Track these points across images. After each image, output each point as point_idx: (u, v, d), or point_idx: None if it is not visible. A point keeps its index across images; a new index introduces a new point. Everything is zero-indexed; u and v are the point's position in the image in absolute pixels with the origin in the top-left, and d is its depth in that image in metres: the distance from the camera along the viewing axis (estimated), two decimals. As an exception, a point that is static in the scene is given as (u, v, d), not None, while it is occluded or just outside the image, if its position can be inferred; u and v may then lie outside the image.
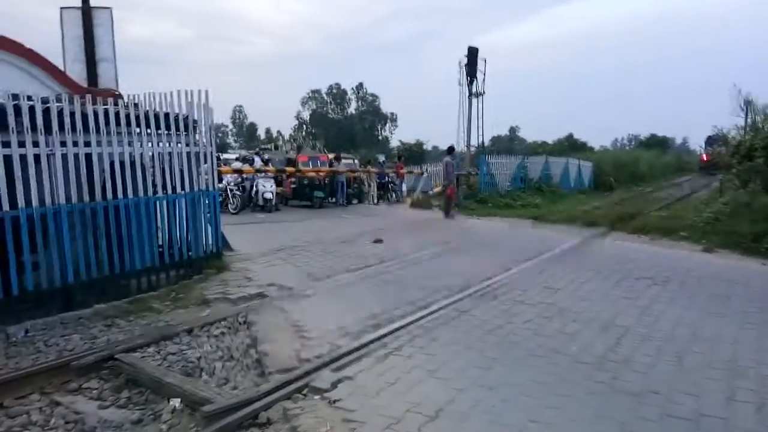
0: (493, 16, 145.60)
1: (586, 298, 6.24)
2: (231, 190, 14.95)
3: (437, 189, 19.59)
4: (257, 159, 17.82)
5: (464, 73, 20.44)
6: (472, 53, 20.23)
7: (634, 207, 16.64)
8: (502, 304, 5.91)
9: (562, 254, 8.96)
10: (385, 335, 4.86)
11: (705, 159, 46.17)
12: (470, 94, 20.44)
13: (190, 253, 7.01)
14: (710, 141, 45.55)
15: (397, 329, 5.02)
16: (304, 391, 3.74)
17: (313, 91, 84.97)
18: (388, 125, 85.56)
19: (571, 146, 46.59)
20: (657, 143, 61.52)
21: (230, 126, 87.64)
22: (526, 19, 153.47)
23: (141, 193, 6.36)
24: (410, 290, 6.46)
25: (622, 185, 28.30)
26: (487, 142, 22.84)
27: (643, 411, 3.50)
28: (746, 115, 14.77)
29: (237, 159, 18.89)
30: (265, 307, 5.76)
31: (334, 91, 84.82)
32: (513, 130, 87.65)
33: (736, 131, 15.06)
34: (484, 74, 20.56)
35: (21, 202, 5.22)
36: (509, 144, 73.89)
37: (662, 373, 4.11)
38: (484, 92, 20.71)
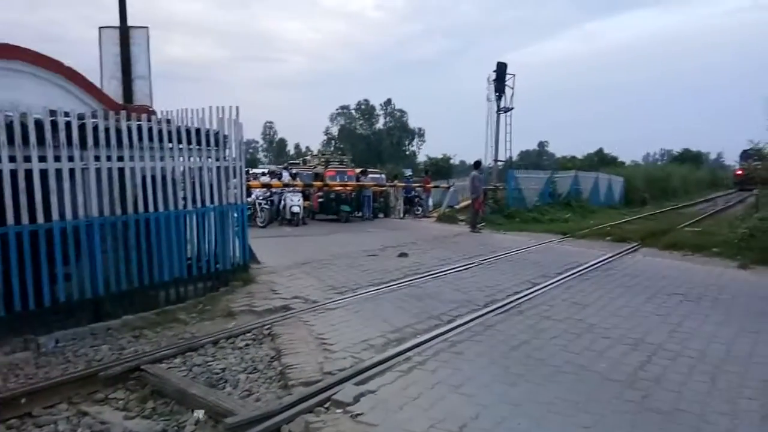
0: (524, 32, 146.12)
1: (616, 314, 6.08)
2: (259, 204, 15.17)
3: (464, 203, 19.49)
4: (285, 174, 18.09)
5: (493, 88, 20.36)
6: (501, 68, 20.13)
7: (666, 222, 16.30)
8: (528, 320, 5.81)
9: (590, 270, 8.78)
10: (408, 349, 4.81)
11: (740, 174, 44.89)
12: (498, 109, 20.31)
13: (217, 266, 7.11)
14: (745, 155, 44.16)
15: (421, 343, 4.97)
16: (327, 405, 3.72)
17: (342, 107, 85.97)
18: (415, 140, 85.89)
19: (600, 161, 45.96)
20: (690, 158, 60.18)
21: (260, 141, 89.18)
22: (556, 35, 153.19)
23: (171, 207, 6.50)
24: (435, 304, 6.41)
25: (654, 200, 27.69)
26: (515, 157, 22.63)
27: (674, 431, 3.38)
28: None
29: (265, 173, 19.16)
30: (289, 319, 5.78)
31: (363, 107, 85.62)
32: (542, 144, 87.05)
33: (773, 145, 14.61)
34: (513, 89, 20.44)
35: (55, 214, 5.37)
36: (537, 159, 73.33)
37: (695, 392, 3.97)
38: (513, 107, 20.56)
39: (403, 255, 9.96)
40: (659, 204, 26.17)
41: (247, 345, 5.05)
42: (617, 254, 10.37)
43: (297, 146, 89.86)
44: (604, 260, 9.64)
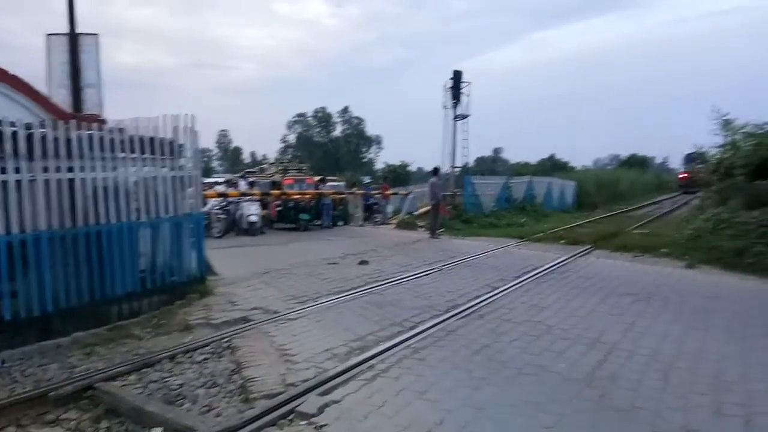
0: (477, 42, 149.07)
1: (573, 315, 6.24)
2: (215, 214, 14.85)
3: (423, 210, 19.65)
4: (242, 182, 17.78)
5: (449, 96, 20.68)
6: (457, 76, 20.47)
7: (616, 225, 16.87)
8: (489, 323, 5.89)
9: (547, 273, 8.98)
10: (372, 357, 4.79)
11: (683, 177, 46.69)
12: (455, 116, 20.63)
13: (173, 278, 6.92)
14: (689, 159, 45.98)
15: (384, 351, 4.96)
16: (290, 417, 3.67)
17: (299, 115, 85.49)
18: (373, 148, 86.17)
19: (553, 166, 47.26)
20: (637, 162, 62.57)
21: (215, 150, 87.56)
22: (508, 44, 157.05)
23: (124, 218, 6.29)
24: (397, 311, 6.42)
25: (604, 204, 28.64)
26: (471, 164, 23.02)
27: (632, 428, 3.48)
28: (723, 134, 15.08)
29: (219, 182, 18.81)
30: (249, 331, 5.67)
31: (320, 114, 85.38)
32: (497, 151, 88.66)
33: (716, 150, 15.31)
34: (468, 97, 20.81)
35: (1, 228, 5.12)
36: (493, 165, 74.63)
37: (650, 389, 4.10)
38: (469, 114, 20.92)
39: (363, 263, 9.95)
40: (609, 207, 27.06)
41: (205, 359, 4.92)
42: (572, 257, 10.67)
43: (253, 154, 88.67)
44: (559, 263, 9.89)
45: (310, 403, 3.79)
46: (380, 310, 6.50)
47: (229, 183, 17.87)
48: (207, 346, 5.20)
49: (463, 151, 21.40)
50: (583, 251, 11.44)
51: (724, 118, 14.35)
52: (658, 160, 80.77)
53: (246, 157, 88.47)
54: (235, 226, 15.63)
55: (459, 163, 21.29)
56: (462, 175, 21.19)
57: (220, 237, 14.38)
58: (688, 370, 4.46)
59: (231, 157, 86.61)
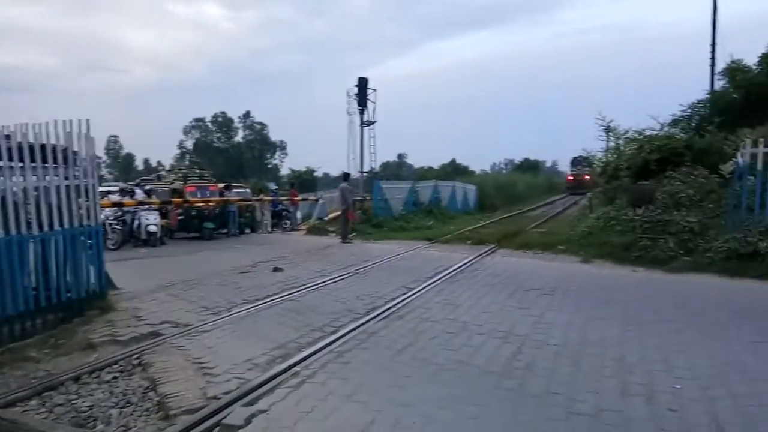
0: (376, 50, 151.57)
1: (485, 311, 6.53)
2: (110, 225, 13.87)
3: (333, 215, 19.63)
4: (138, 191, 16.73)
5: (352, 102, 20.88)
6: (362, 83, 20.69)
7: (516, 225, 17.84)
8: (408, 323, 6.01)
9: (457, 272, 9.32)
10: (295, 364, 4.72)
11: (571, 179, 50.07)
12: (362, 122, 20.84)
13: (69, 295, 6.37)
14: (575, 162, 49.41)
15: (307, 357, 4.90)
16: (216, 430, 3.52)
17: (196, 120, 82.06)
18: (277, 153, 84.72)
19: (454, 170, 49.12)
20: (530, 166, 66.69)
21: (104, 157, 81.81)
22: (406, 53, 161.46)
23: (13, 231, 5.70)
24: (316, 316, 6.36)
25: (503, 206, 30.20)
26: (377, 168, 23.35)
27: (550, 412, 3.70)
28: (607, 139, 16.55)
29: (113, 191, 17.58)
30: (160, 346, 5.36)
31: (220, 119, 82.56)
32: (401, 156, 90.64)
33: (602, 154, 16.74)
34: (375, 103, 21.11)
35: None
36: (398, 170, 76.25)
37: (562, 375, 4.39)
38: (375, 120, 21.22)
39: (277, 270, 9.75)
40: (508, 209, 28.59)
41: (114, 378, 4.59)
42: (479, 256, 11.15)
43: (146, 161, 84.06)
44: (468, 262, 10.29)
45: (236, 415, 3.66)
46: (299, 316, 6.41)
47: (125, 192, 16.77)
48: (115, 364, 4.85)
49: (371, 156, 21.69)
50: (488, 250, 11.99)
51: (608, 124, 15.76)
52: (548, 164, 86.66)
53: (139, 164, 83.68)
54: (132, 237, 14.72)
55: (367, 168, 21.55)
56: (370, 180, 21.44)
57: (116, 249, 13.45)
58: (595, 356, 4.82)
59: (122, 164, 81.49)
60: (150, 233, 14.35)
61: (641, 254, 9.85)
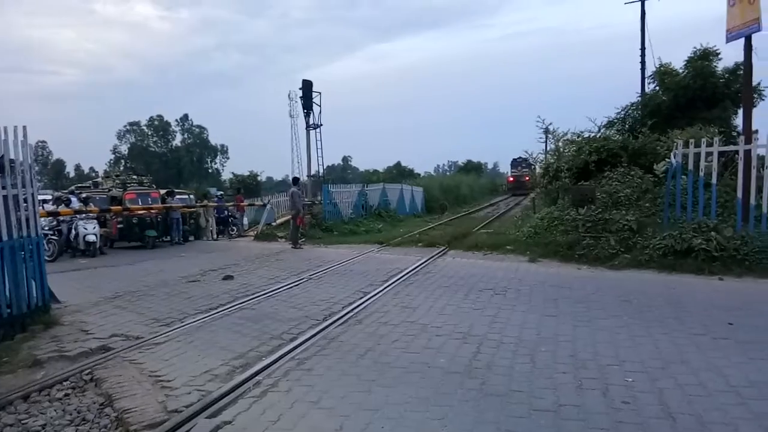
0: (319, 52, 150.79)
1: (442, 312, 6.62)
2: (45, 235, 13.13)
3: (281, 220, 19.38)
4: (74, 199, 15.92)
5: (294, 105, 20.87)
6: (307, 86, 20.55)
7: (464, 226, 18.20)
8: (367, 328, 6.02)
9: (411, 274, 9.41)
10: (257, 373, 4.64)
11: (511, 180, 51.09)
12: (308, 125, 20.69)
13: (10, 310, 6.00)
14: (515, 163, 50.40)
15: (268, 366, 4.83)
16: (181, 445, 3.42)
17: (131, 124, 79.12)
18: (218, 157, 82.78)
19: (399, 173, 49.52)
20: (473, 168, 68.24)
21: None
22: (348, 55, 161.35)
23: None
24: (273, 324, 6.27)
25: (449, 207, 30.73)
26: (322, 172, 23.27)
27: (513, 410, 3.80)
28: (547, 140, 17.22)
29: (45, 201, 16.66)
30: (112, 360, 5.15)
31: (156, 123, 79.88)
32: (346, 159, 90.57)
33: (542, 155, 17.39)
34: (320, 107, 21.01)
35: None
36: (343, 173, 76.13)
37: (521, 373, 4.52)
38: (321, 124, 21.11)
39: (228, 278, 9.54)
40: (454, 210, 29.14)
41: (66, 395, 4.37)
42: (430, 258, 11.30)
43: (78, 167, 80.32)
44: (420, 265, 10.41)
45: (200, 428, 3.58)
46: (256, 324, 6.30)
47: (59, 200, 15.93)
48: (65, 380, 4.61)
49: (318, 160, 21.57)
50: (439, 252, 12.17)
51: (547, 126, 16.37)
52: (490, 166, 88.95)
53: (70, 170, 79.81)
54: (69, 248, 14.03)
55: (313, 171, 21.41)
56: (318, 184, 21.32)
57: (52, 260, 12.77)
58: (549, 353, 4.99)
59: (52, 171, 77.36)
60: (89, 243, 13.74)
61: (585, 252, 10.27)
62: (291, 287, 8.57)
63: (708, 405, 3.76)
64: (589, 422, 3.57)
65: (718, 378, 4.25)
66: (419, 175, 56.13)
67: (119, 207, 15.95)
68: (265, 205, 21.30)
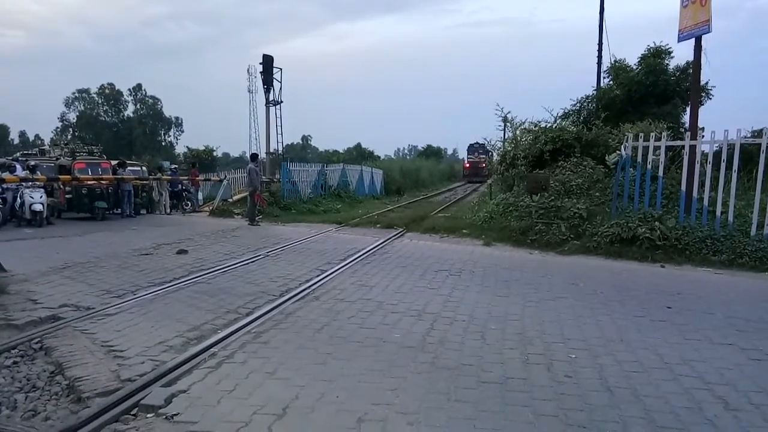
0: (280, 27, 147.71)
1: (398, 291, 6.76)
2: (-12, 203, 12.59)
3: (238, 197, 19.11)
4: (18, 167, 15.22)
5: (253, 80, 20.45)
6: (267, 61, 20.14)
7: (422, 210, 18.43)
8: (324, 304, 6.09)
9: (369, 254, 9.51)
10: (212, 345, 4.65)
11: (467, 167, 49.82)
12: (267, 102, 20.34)
13: (-50, 277, 5.77)
14: (472, 149, 49.37)
15: (224, 338, 4.84)
16: (134, 411, 3.42)
17: (80, 91, 75.76)
18: (172, 130, 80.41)
19: (360, 155, 49.45)
20: (432, 153, 68.81)
21: (-29, 129, 73.50)
22: (310, 33, 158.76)
23: None
24: (230, 298, 6.26)
25: (408, 191, 30.97)
26: (281, 150, 23.00)
27: (462, 382, 3.97)
28: (505, 128, 17.55)
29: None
30: (62, 330, 5.05)
31: (107, 91, 76.78)
32: (305, 138, 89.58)
33: (500, 143, 17.72)
34: (281, 83, 20.68)
35: None
36: (302, 153, 75.36)
37: (472, 348, 4.69)
38: (282, 101, 20.80)
39: (182, 252, 9.40)
40: (413, 194, 29.39)
41: (15, 363, 4.28)
42: (388, 239, 11.43)
43: (23, 134, 76.81)
44: (378, 245, 10.53)
45: (154, 396, 3.58)
46: (212, 298, 6.27)
47: (3, 167, 15.20)
48: (13, 348, 4.51)
49: (278, 137, 21.29)
50: (397, 234, 12.32)
51: (506, 114, 16.68)
52: (450, 151, 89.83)
53: (14, 137, 76.06)
54: (14, 217, 13.46)
55: (272, 149, 21.13)
56: (277, 161, 21.07)
57: (-4, 229, 12.26)
58: (499, 331, 5.19)
59: (-6, 137, 73.55)
60: (35, 212, 13.20)
61: (537, 238, 10.62)
62: (247, 263, 8.54)
63: (643, 380, 4.03)
64: (533, 394, 3.77)
65: (654, 356, 4.54)
66: (379, 157, 56.10)
67: (68, 176, 15.38)
68: (221, 181, 20.94)
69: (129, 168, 18.00)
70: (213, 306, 5.95)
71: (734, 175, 9.41)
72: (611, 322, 5.56)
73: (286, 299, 6.24)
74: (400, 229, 12.96)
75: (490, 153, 30.78)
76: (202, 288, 6.82)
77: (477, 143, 45.01)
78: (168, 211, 18.49)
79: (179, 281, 7.16)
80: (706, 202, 9.74)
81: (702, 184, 9.94)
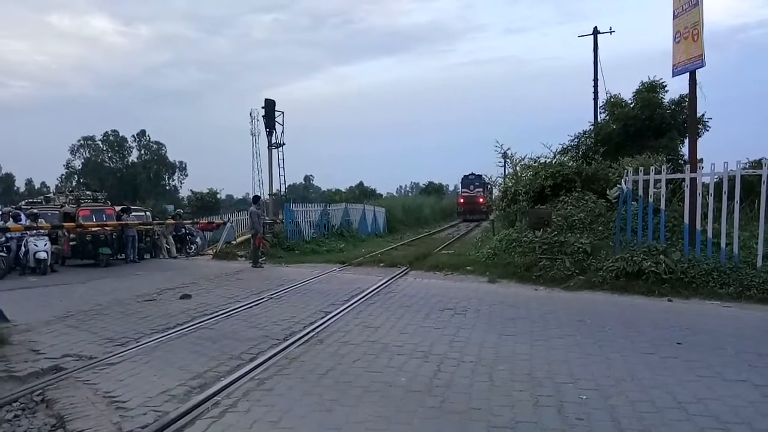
0: (280, 72, 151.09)
1: (403, 332, 6.68)
2: (-8, 252, 12.63)
3: (242, 239, 19.14)
4: (23, 215, 15.33)
5: (256, 123, 20.84)
6: (270, 105, 20.54)
7: (425, 247, 18.40)
8: (329, 347, 6.02)
9: (373, 294, 9.44)
10: (215, 393, 4.57)
11: (462, 202, 44.10)
12: (270, 144, 20.63)
13: (-47, 329, 5.74)
14: (466, 181, 44.08)
15: (227, 386, 4.77)
16: (137, 467, 3.34)
17: (85, 138, 76.81)
18: (176, 174, 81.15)
19: (362, 193, 49.62)
20: (434, 189, 69.04)
21: (-22, 178, 74.44)
22: (310, 76, 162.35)
23: None
24: (233, 344, 6.19)
25: (411, 228, 31.00)
26: (284, 191, 23.18)
27: (472, 427, 3.88)
28: (505, 164, 17.74)
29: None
30: (64, 381, 4.99)
31: (111, 138, 77.82)
32: (308, 178, 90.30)
33: (501, 179, 17.86)
34: (283, 126, 21.01)
35: None
36: (305, 192, 75.84)
37: (480, 390, 4.60)
38: (284, 143, 21.09)
39: (185, 297, 9.36)
40: (416, 231, 29.39)
41: (16, 416, 4.22)
42: (392, 278, 11.37)
43: (29, 182, 77.52)
44: (382, 284, 10.46)
45: (157, 450, 3.50)
46: (215, 344, 6.21)
47: (7, 216, 15.31)
48: (15, 401, 4.45)
49: (280, 179, 21.49)
50: (401, 272, 12.26)
51: (506, 150, 16.85)
52: (451, 188, 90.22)
53: (21, 185, 76.92)
54: (18, 265, 13.49)
55: (274, 190, 21.30)
56: (279, 202, 21.20)
57: (0, 278, 12.26)
58: (507, 371, 5.10)
59: (1, 186, 74.35)
60: (39, 260, 13.26)
61: (541, 273, 10.55)
62: (251, 306, 8.48)
63: (657, 421, 3.93)
64: (544, 438, 3.68)
65: (666, 395, 4.44)
66: (381, 195, 56.52)
67: (72, 223, 15.47)
68: (225, 224, 20.99)
69: (133, 213, 18.11)
70: (216, 352, 5.88)
71: (736, 207, 9.39)
72: (621, 359, 5.46)
73: (289, 343, 6.17)
74: (404, 268, 12.90)
75: (489, 186, 29.99)
76: (205, 334, 6.76)
77: (472, 174, 42.30)
78: (175, 254, 18.50)
79: (182, 327, 7.10)
80: (710, 234, 9.70)
81: (705, 216, 9.92)
